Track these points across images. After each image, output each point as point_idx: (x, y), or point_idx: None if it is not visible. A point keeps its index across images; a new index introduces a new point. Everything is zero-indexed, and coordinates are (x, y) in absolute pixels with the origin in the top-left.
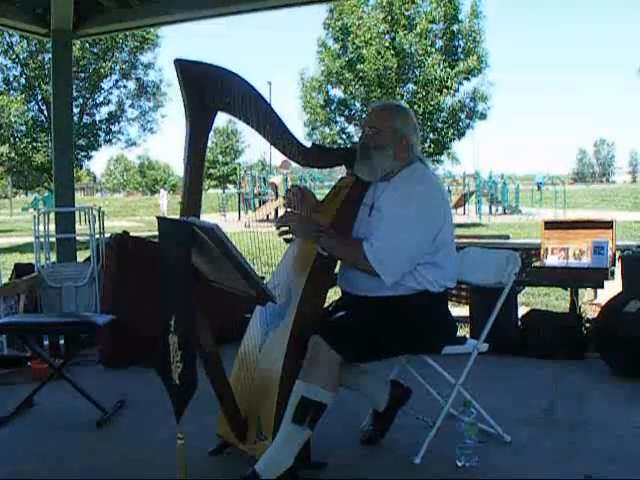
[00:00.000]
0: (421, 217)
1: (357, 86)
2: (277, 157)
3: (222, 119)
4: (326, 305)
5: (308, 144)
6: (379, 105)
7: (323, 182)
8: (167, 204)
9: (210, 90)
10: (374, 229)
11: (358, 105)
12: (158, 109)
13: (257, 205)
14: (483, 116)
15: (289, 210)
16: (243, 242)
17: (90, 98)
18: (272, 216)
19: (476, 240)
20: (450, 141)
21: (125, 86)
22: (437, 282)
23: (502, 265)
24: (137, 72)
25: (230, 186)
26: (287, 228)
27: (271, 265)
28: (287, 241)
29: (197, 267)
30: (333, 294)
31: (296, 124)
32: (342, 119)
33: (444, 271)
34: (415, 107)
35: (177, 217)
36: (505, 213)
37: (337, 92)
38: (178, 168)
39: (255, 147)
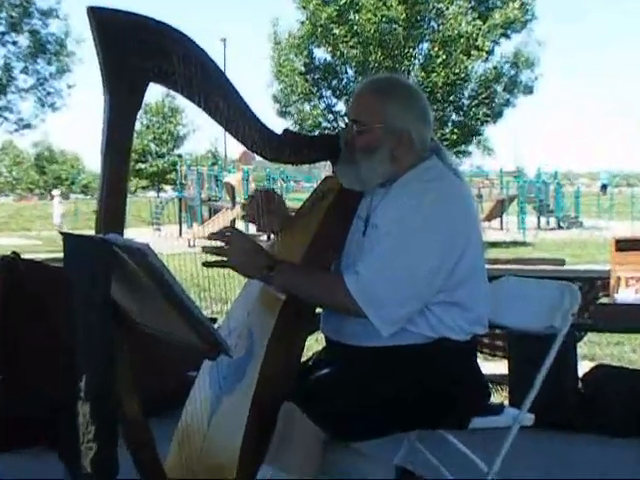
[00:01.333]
0: (433, 236)
1: (350, 46)
2: (235, 147)
3: (156, 92)
4: (304, 359)
5: (279, 130)
6: (365, 86)
7: (299, 182)
8: (61, 214)
9: (140, 51)
10: (365, 255)
11: (351, 73)
12: (63, 76)
13: (206, 215)
14: (528, 89)
15: (231, 230)
16: (186, 268)
17: None
18: None
19: (518, 266)
20: (481, 124)
21: (14, 42)
22: (460, 327)
23: (554, 302)
24: (32, 22)
25: (167, 188)
26: (221, 259)
27: (225, 301)
28: None
29: (118, 303)
30: (314, 342)
31: (262, 99)
32: (329, 92)
33: (470, 312)
34: (431, 77)
35: (90, 233)
36: (560, 227)
37: (323, 54)
38: (92, 162)
39: (203, 133)
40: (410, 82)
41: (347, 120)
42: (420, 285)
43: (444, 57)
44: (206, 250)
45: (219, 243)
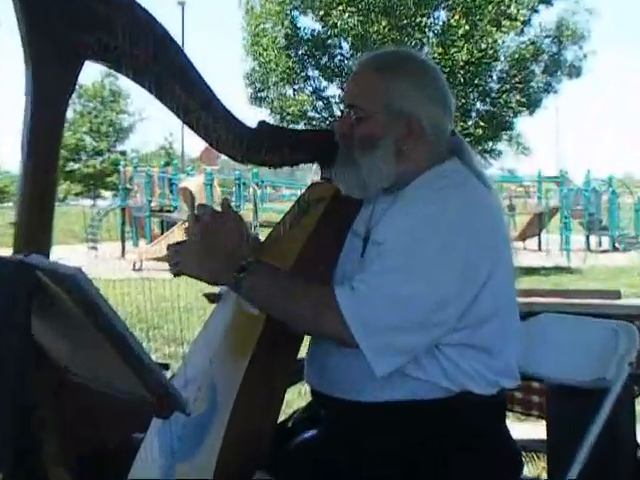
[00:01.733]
0: (451, 257)
1: (346, 14)
2: (195, 142)
3: (94, 71)
4: (282, 417)
5: (252, 121)
6: (365, 62)
7: (278, 189)
8: None
9: (73, 20)
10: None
11: (346, 47)
12: None
13: (157, 230)
14: (575, 71)
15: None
16: (130, 298)
17: None
18: None
19: (559, 300)
20: (514, 116)
21: None
22: (483, 377)
23: (606, 347)
24: None
25: (106, 194)
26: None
27: (181, 342)
28: (210, 299)
29: (41, 343)
30: (296, 396)
31: (232, 81)
32: (317, 72)
33: (496, 358)
34: (450, 54)
35: (5, 253)
36: (615, 249)
37: (310, 23)
38: (8, 159)
39: (155, 123)
40: (424, 57)
41: (342, 107)
42: (428, 315)
43: (467, 28)
44: (169, 255)
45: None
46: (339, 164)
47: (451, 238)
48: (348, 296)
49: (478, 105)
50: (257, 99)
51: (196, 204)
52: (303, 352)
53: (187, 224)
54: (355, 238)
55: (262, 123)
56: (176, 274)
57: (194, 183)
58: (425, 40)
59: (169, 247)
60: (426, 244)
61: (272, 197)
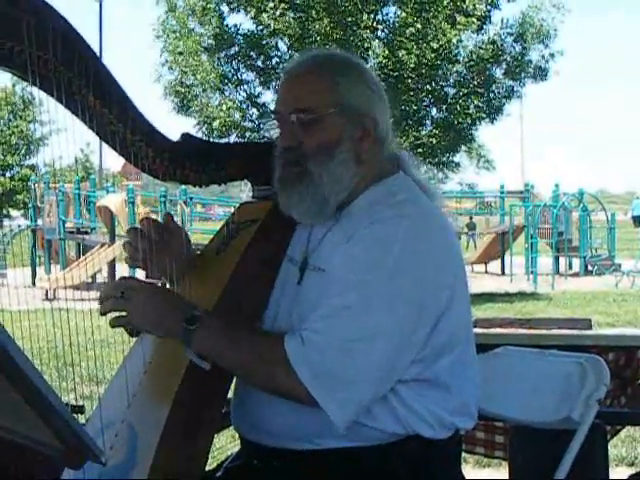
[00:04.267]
0: (408, 286)
1: (281, 10)
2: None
3: (2, 77)
4: (210, 466)
5: (175, 134)
6: (302, 63)
7: (210, 207)
8: None
9: None
10: (308, 311)
11: (284, 48)
12: None
13: (72, 254)
14: (540, 73)
15: (126, 276)
16: (42, 331)
17: None
18: (103, 278)
19: (524, 331)
20: (472, 124)
21: None
22: (438, 417)
23: (573, 383)
24: None
25: (15, 213)
26: (122, 315)
27: (99, 381)
28: (130, 333)
29: None
30: (229, 441)
31: (153, 87)
32: (251, 76)
33: (452, 394)
34: (400, 56)
35: None
36: (588, 272)
37: (242, 21)
38: None
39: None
40: (352, 56)
41: (277, 120)
42: (392, 356)
43: (418, 27)
44: (104, 309)
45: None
46: (285, 187)
47: (405, 265)
48: (299, 349)
49: (433, 112)
50: (182, 108)
51: (117, 223)
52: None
53: (128, 238)
54: (290, 264)
55: (186, 136)
56: (116, 325)
57: (114, 201)
58: (370, 41)
59: (108, 290)
60: (378, 275)
61: (203, 216)
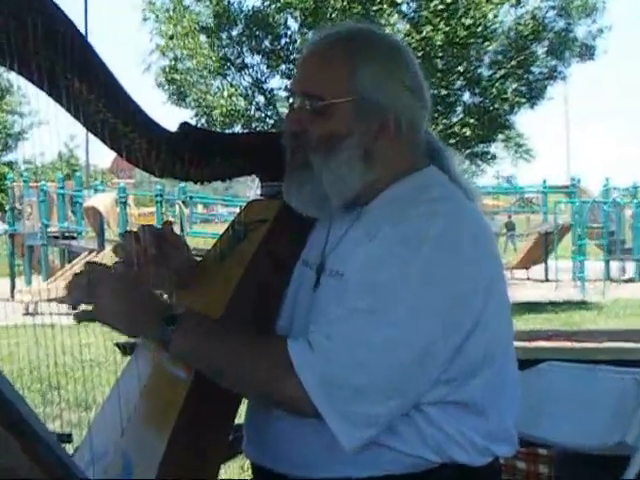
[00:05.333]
0: (436, 292)
1: None
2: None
3: None
4: None
5: (172, 125)
6: (320, 41)
7: (211, 207)
8: None
9: None
10: (320, 315)
11: (295, 26)
12: None
13: (56, 263)
14: (587, 52)
15: (94, 262)
16: (20, 350)
17: None
18: None
19: (569, 344)
20: (511, 110)
21: None
22: (472, 443)
23: (627, 403)
24: None
25: None
26: (89, 309)
27: (88, 406)
28: (124, 350)
29: None
30: (237, 472)
31: (146, 73)
32: (256, 59)
33: (488, 418)
34: (426, 33)
35: None
36: None
37: None
38: None
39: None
40: (391, 36)
41: (292, 100)
42: (407, 372)
43: (447, 1)
44: (68, 300)
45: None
46: (288, 175)
47: (434, 269)
48: (305, 353)
49: (465, 97)
50: (179, 96)
51: (107, 227)
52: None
53: (119, 243)
54: (306, 268)
55: (185, 126)
56: (82, 319)
57: (103, 201)
58: (392, 16)
59: (75, 278)
60: (402, 278)
61: (204, 218)
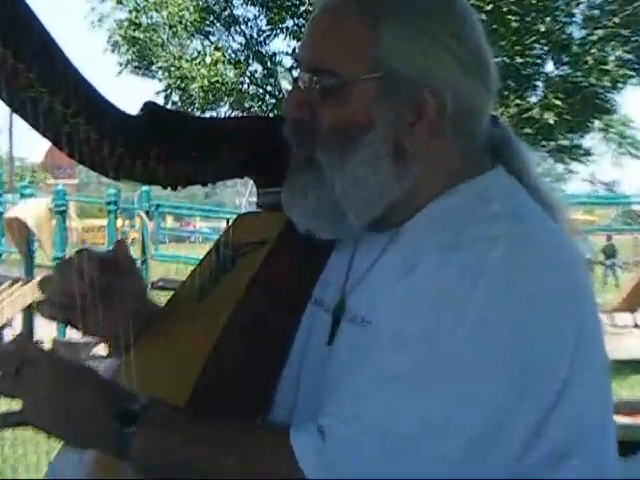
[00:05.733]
0: (493, 350)
1: None
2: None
3: None
4: None
5: (134, 103)
6: None
7: (187, 221)
8: None
9: None
10: (339, 382)
11: None
12: None
13: None
14: None
15: (24, 337)
16: None
17: None
18: (13, 334)
19: None
20: (612, 87)
21: None
22: None
23: None
24: None
25: None
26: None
27: None
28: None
29: None
30: None
31: (95, 31)
32: (253, 10)
33: None
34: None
35: None
36: None
37: None
38: None
39: None
40: None
41: (296, 73)
42: (465, 462)
43: None
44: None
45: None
46: (289, 177)
47: (496, 317)
48: (315, 448)
49: (548, 68)
50: (141, 62)
51: (37, 247)
52: None
53: (47, 276)
54: (319, 310)
55: (150, 107)
56: (7, 425)
57: (32, 211)
58: None
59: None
60: (450, 331)
61: (176, 235)
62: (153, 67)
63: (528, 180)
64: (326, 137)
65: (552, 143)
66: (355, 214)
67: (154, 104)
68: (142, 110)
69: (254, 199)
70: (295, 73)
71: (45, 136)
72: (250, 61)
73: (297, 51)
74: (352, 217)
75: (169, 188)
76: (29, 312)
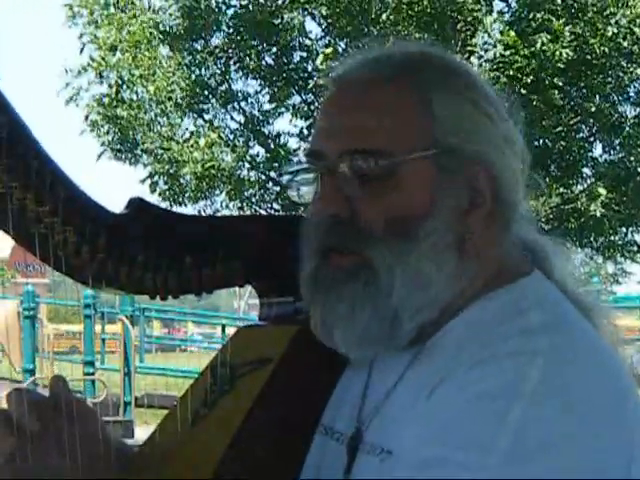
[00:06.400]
0: (531, 477)
1: None
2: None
3: None
4: None
5: (117, 198)
6: (370, 63)
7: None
8: None
9: None
10: None
11: (315, 29)
12: None
13: None
14: None
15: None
16: None
17: None
18: None
19: None
20: None
21: None
22: None
23: None
24: None
25: None
26: None
27: None
28: None
29: None
30: None
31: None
32: (253, 83)
33: None
34: (540, 48)
35: None
36: None
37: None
38: None
39: None
40: (463, 61)
41: (312, 164)
42: None
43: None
44: None
45: None
46: (326, 289)
47: (532, 441)
48: None
49: (596, 151)
50: (124, 144)
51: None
52: None
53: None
54: (330, 440)
55: (137, 204)
56: None
57: None
58: (487, 16)
59: None
60: (483, 457)
61: (164, 344)
62: (137, 151)
63: (567, 287)
64: (380, 234)
65: (601, 239)
66: (415, 316)
67: (141, 200)
68: (127, 207)
69: (255, 301)
70: (304, 157)
71: (15, 238)
72: (250, 143)
73: (314, 139)
74: (406, 321)
75: (158, 297)
76: None
